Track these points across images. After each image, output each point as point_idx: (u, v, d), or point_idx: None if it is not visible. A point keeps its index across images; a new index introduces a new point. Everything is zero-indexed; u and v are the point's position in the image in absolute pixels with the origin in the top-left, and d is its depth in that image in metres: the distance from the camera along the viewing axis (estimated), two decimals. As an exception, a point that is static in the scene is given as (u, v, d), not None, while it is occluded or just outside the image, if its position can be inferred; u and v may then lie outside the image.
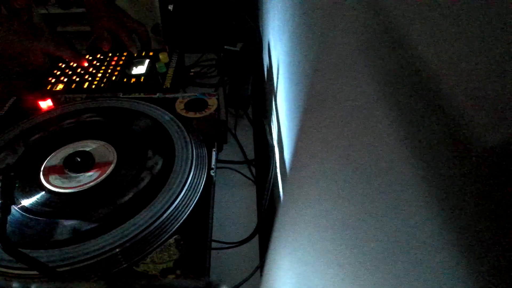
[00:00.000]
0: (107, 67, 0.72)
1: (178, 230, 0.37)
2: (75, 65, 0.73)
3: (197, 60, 0.84)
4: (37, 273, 0.32)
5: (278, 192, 0.50)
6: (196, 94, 0.56)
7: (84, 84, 0.67)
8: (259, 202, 0.53)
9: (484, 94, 0.08)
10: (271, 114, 0.59)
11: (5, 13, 0.73)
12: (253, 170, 0.58)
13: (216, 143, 0.48)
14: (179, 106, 0.53)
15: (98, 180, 0.41)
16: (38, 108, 0.54)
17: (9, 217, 0.33)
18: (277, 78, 0.49)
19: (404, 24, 0.12)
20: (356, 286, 0.16)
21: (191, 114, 0.52)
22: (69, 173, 0.42)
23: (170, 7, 0.80)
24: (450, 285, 0.09)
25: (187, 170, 0.42)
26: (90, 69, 0.71)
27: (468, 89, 0.09)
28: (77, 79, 0.69)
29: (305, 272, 0.25)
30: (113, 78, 0.69)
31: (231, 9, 0.80)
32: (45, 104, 0.55)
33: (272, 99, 0.56)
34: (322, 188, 0.22)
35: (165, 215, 0.37)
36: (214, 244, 0.42)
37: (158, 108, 0.53)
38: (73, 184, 0.41)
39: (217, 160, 0.48)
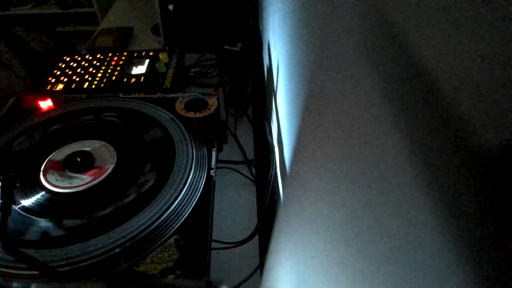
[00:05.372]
0: (107, 67, 0.72)
1: (178, 230, 0.37)
2: (75, 65, 0.73)
3: (197, 60, 0.84)
4: (37, 273, 0.32)
5: (278, 192, 0.50)
6: (196, 94, 0.56)
7: (84, 84, 0.67)
8: (259, 202, 0.53)
9: (484, 94, 0.08)
10: (271, 114, 0.59)
11: None
12: (253, 170, 0.58)
13: (216, 143, 0.48)
14: (179, 106, 0.53)
15: (98, 180, 0.41)
16: (38, 108, 0.54)
17: (9, 217, 0.33)
18: (277, 78, 0.49)
19: (405, 24, 0.12)
20: (356, 286, 0.16)
21: (191, 114, 0.52)
22: (69, 173, 0.42)
23: (170, 7, 0.80)
24: (451, 285, 0.09)
25: (187, 170, 0.42)
26: (90, 69, 0.71)
27: (468, 89, 0.09)
28: (77, 79, 0.69)
29: (305, 271, 0.25)
30: (113, 78, 0.69)
31: (231, 9, 0.80)
32: (45, 104, 0.55)
33: (272, 99, 0.56)
34: (322, 188, 0.22)
35: (165, 215, 0.37)
36: (214, 244, 0.42)
37: (158, 108, 0.53)
38: (73, 184, 0.41)
39: (217, 160, 0.48)
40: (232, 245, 0.44)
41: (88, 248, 0.34)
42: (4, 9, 1.90)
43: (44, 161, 0.44)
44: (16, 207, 0.38)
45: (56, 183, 0.41)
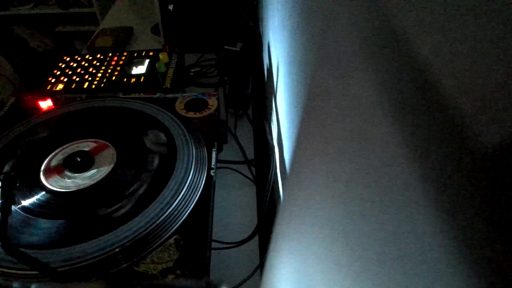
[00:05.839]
0: (107, 67, 0.72)
1: (178, 230, 0.37)
2: (75, 65, 0.73)
3: (197, 60, 0.84)
4: (38, 273, 0.32)
5: (278, 192, 0.50)
6: (196, 94, 0.56)
7: (84, 84, 0.67)
8: (259, 202, 0.53)
9: (484, 94, 0.08)
10: (271, 114, 0.59)
11: None
12: (253, 170, 0.58)
13: (216, 143, 0.48)
14: (179, 106, 0.53)
15: (98, 180, 0.41)
16: (38, 108, 0.54)
17: (9, 217, 0.33)
18: (277, 78, 0.49)
19: (404, 23, 0.12)
20: (356, 286, 0.16)
21: (191, 114, 0.52)
22: (69, 173, 0.42)
23: (170, 7, 0.80)
24: (451, 285, 0.09)
25: (187, 170, 0.42)
26: (90, 69, 0.71)
27: (468, 89, 0.09)
28: (77, 79, 0.69)
29: (305, 271, 0.25)
30: (113, 78, 0.69)
31: (231, 9, 0.80)
32: (45, 104, 0.55)
33: (272, 99, 0.56)
34: (322, 188, 0.22)
35: (165, 215, 0.37)
36: (214, 244, 0.42)
37: (158, 108, 0.53)
38: (73, 184, 0.41)
39: (217, 160, 0.48)
40: (232, 245, 0.44)
41: (88, 248, 0.34)
42: (4, 9, 1.90)
43: (44, 161, 0.44)
44: (16, 207, 0.38)
45: (56, 183, 0.41)
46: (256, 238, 0.48)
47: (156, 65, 0.70)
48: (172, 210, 0.38)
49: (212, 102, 0.54)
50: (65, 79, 0.69)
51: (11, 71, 1.29)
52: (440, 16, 0.10)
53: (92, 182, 0.41)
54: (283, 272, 0.33)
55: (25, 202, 0.39)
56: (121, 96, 0.56)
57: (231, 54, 0.70)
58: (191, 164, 0.43)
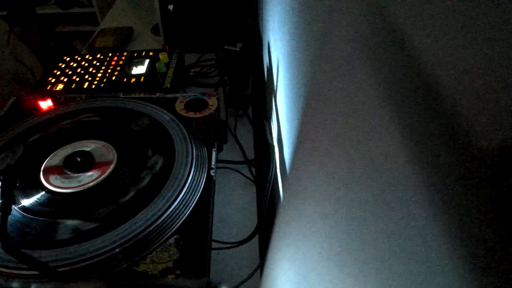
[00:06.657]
0: (107, 67, 0.72)
1: (178, 230, 0.37)
2: (75, 65, 0.73)
3: (197, 60, 0.84)
4: (37, 273, 0.32)
5: (278, 192, 0.50)
6: (196, 94, 0.56)
7: (84, 84, 0.67)
8: (259, 202, 0.53)
9: (484, 94, 0.08)
10: (271, 114, 0.59)
11: None
12: (253, 170, 0.58)
13: (216, 143, 0.48)
14: (179, 106, 0.53)
15: (98, 180, 0.41)
16: (38, 108, 0.54)
17: (9, 217, 0.33)
18: (277, 78, 0.49)
19: (405, 23, 0.12)
20: (356, 286, 0.16)
21: (191, 114, 0.52)
22: (69, 173, 0.42)
23: (170, 7, 0.80)
24: (451, 285, 0.09)
25: (187, 170, 0.42)
26: (90, 69, 0.71)
27: (468, 89, 0.09)
28: (77, 79, 0.69)
29: (305, 271, 0.25)
30: (113, 78, 0.69)
31: (231, 9, 0.80)
32: (45, 104, 0.55)
33: (272, 99, 0.56)
34: (322, 188, 0.22)
35: (165, 215, 0.37)
36: (214, 244, 0.42)
37: (158, 108, 0.53)
38: (73, 184, 0.41)
39: (217, 160, 0.48)
40: (232, 245, 0.44)
41: (88, 248, 0.34)
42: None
43: (44, 161, 0.44)
44: (16, 207, 0.38)
45: (56, 183, 0.41)
46: (256, 238, 0.48)
47: (156, 65, 0.70)
48: (172, 210, 0.38)
49: (212, 102, 0.54)
50: (65, 79, 0.69)
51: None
52: (440, 17, 0.10)
53: (92, 182, 0.41)
54: (283, 272, 0.33)
55: (25, 202, 0.39)
56: (121, 96, 0.56)
57: (231, 54, 0.70)
58: (191, 164, 0.43)
